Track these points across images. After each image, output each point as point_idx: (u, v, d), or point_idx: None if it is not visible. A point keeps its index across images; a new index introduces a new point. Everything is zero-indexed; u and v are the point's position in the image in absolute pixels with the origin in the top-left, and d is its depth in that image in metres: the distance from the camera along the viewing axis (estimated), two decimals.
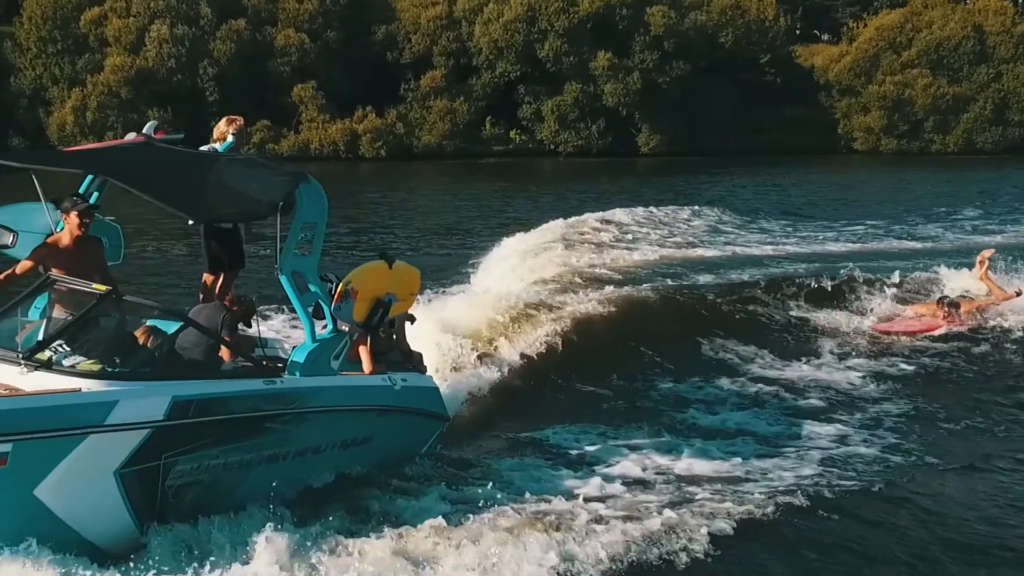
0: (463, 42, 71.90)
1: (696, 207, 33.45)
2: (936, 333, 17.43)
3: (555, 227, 26.20)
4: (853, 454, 11.83)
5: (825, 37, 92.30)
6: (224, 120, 10.74)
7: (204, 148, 10.63)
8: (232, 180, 9.29)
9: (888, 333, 17.86)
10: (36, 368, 7.87)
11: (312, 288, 9.88)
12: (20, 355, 7.96)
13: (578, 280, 20.11)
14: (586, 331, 15.86)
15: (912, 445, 12.22)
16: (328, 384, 10.02)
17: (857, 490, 10.41)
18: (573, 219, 27.69)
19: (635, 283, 19.65)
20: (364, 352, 10.61)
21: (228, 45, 67.35)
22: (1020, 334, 17.27)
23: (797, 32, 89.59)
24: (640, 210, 30.78)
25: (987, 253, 19.64)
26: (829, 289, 19.37)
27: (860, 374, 15.48)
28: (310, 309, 10.00)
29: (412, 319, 12.12)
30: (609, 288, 18.65)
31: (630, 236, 27.05)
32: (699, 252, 25.51)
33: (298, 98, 68.65)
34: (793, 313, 18.42)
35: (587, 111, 71.67)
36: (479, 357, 14.48)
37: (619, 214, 29.52)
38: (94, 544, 7.97)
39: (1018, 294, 18.35)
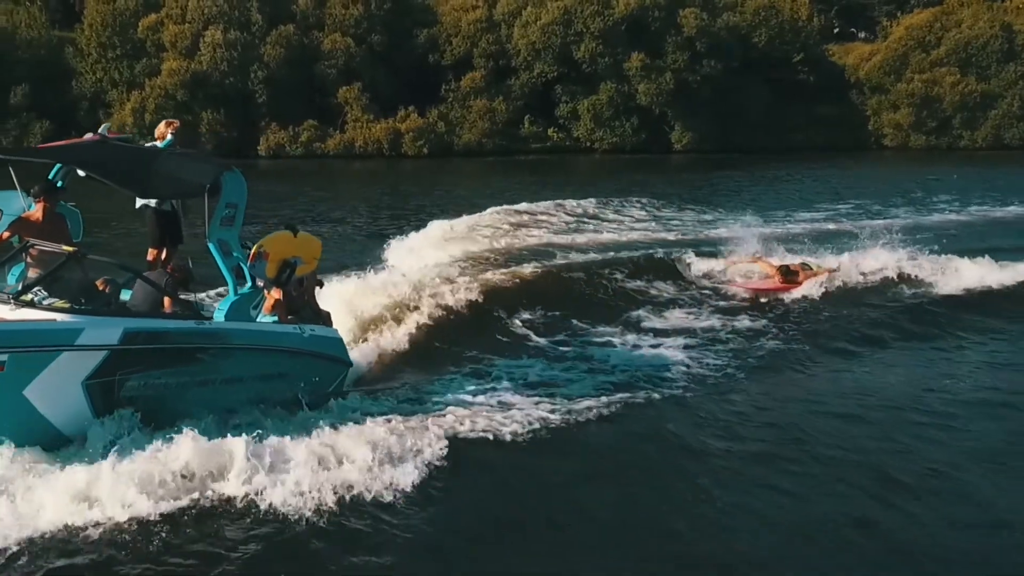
0: (502, 44, 73.87)
1: (640, 199, 36.30)
2: (782, 295, 20.65)
3: (490, 214, 29.10)
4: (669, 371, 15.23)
5: (862, 35, 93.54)
6: (163, 123, 13.30)
7: (148, 144, 13.13)
8: (170, 168, 11.87)
9: (747, 289, 21.17)
10: (22, 306, 10.36)
11: (235, 253, 12.05)
12: (10, 297, 10.48)
13: (486, 259, 22.79)
14: (489, 298, 18.49)
15: (714, 372, 15.35)
16: (247, 327, 12.24)
17: (639, 403, 13.63)
18: (516, 206, 30.76)
19: (528, 262, 22.29)
20: (279, 306, 12.94)
21: (277, 49, 69.39)
22: (833, 298, 20.60)
23: (835, 31, 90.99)
24: (583, 201, 33.88)
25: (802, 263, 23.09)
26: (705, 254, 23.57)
27: (692, 318, 19.00)
28: (233, 269, 12.10)
29: (320, 283, 14.44)
30: (513, 267, 21.33)
31: (557, 222, 29.99)
32: (598, 238, 28.05)
33: (344, 99, 70.72)
34: (632, 286, 21.17)
35: (621, 110, 73.49)
36: (384, 325, 16.88)
37: (569, 204, 32.79)
38: (63, 434, 10.55)
39: (833, 271, 21.80)
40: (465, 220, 27.82)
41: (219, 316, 12.07)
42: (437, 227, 26.20)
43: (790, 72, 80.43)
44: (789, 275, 21.21)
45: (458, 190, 39.77)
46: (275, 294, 12.89)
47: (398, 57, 73.04)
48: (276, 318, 13.01)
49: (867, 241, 23.81)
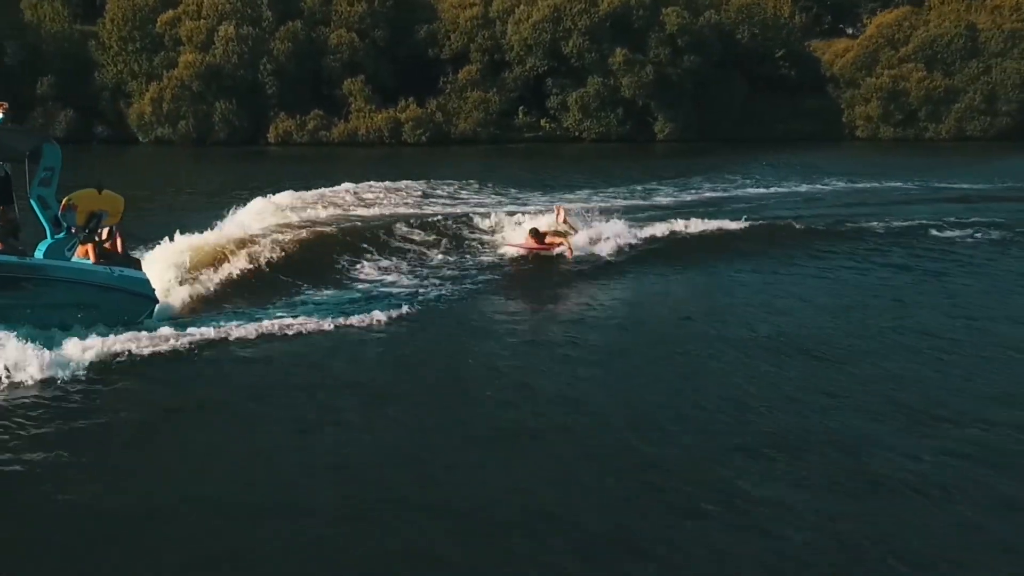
0: (497, 40, 76.83)
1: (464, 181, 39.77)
2: (543, 253, 24.16)
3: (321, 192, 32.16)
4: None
5: (849, 31, 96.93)
6: None
7: None
8: (1, 139, 14.88)
9: (515, 246, 24.64)
10: None
11: (51, 207, 15.25)
12: None
13: (297, 222, 26.28)
14: (291, 256, 22.23)
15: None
16: (62, 264, 15.29)
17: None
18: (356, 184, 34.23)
19: (337, 223, 26.12)
20: (90, 250, 16.07)
21: (286, 44, 72.47)
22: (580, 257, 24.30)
23: (825, 27, 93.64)
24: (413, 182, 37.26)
25: (562, 207, 26.80)
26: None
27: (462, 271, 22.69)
28: (51, 220, 15.28)
29: (113, 233, 16.79)
30: (322, 228, 25.10)
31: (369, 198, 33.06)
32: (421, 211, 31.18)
33: (348, 90, 73.90)
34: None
35: (607, 101, 76.62)
36: (199, 272, 20.29)
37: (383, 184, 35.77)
38: None
39: (575, 231, 25.40)
40: (317, 192, 31.27)
41: (39, 255, 15.25)
42: (259, 203, 27.98)
43: (772, 67, 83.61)
44: (538, 236, 24.27)
45: (447, 173, 43.96)
46: (88, 244, 15.99)
47: (399, 51, 76.06)
48: (90, 260, 16.01)
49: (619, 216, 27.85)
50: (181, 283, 19.50)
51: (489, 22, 77.69)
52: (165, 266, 19.44)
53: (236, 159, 58.44)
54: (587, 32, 75.51)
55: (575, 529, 9.26)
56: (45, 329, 14.78)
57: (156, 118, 71.89)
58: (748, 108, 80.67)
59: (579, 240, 25.17)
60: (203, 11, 73.26)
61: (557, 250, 24.22)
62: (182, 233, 21.42)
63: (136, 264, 16.92)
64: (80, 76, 72.61)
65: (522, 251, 24.37)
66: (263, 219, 26.09)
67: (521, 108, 78.00)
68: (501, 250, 24.83)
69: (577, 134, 77.89)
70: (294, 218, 26.88)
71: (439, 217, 28.06)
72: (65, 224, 15.42)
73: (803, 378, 14.23)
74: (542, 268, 23.57)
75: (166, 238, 20.95)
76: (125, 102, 73.87)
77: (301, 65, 73.68)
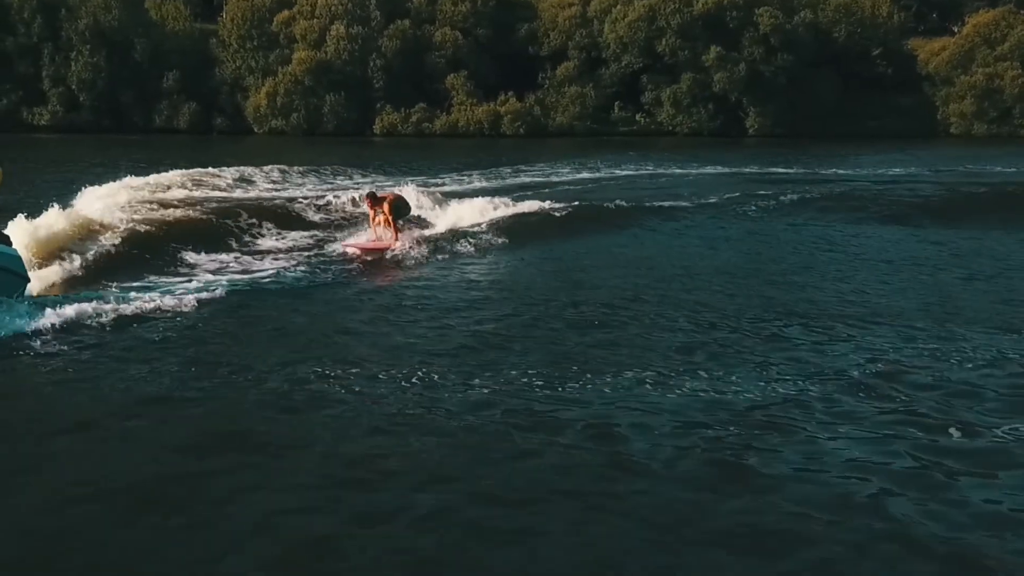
0: (594, 38, 79.69)
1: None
2: (387, 254, 21.47)
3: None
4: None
5: (956, 28, 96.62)
6: None
7: None
8: None
9: (353, 248, 21.99)
10: None
11: None
12: None
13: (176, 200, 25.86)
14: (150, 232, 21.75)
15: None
16: None
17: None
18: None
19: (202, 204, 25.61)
20: None
21: (394, 42, 76.51)
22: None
23: (927, 26, 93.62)
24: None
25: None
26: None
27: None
28: None
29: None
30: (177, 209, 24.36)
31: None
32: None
33: (450, 85, 77.48)
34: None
35: (699, 97, 78.71)
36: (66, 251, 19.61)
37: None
38: None
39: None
40: (197, 171, 31.22)
41: None
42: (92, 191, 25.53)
43: (868, 65, 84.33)
44: (375, 200, 22.69)
45: (540, 162, 46.34)
46: None
47: (500, 48, 79.33)
48: None
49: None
50: (37, 260, 18.41)
51: (587, 21, 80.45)
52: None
53: (343, 146, 61.86)
54: (680, 31, 77.70)
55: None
56: None
57: (271, 110, 76.37)
58: (840, 104, 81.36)
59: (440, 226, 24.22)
60: (316, 11, 77.72)
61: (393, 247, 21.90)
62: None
63: (5, 240, 15.26)
64: (201, 71, 77.60)
65: (364, 249, 22.04)
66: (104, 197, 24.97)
67: (617, 103, 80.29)
68: (340, 249, 22.39)
69: (671, 128, 79.77)
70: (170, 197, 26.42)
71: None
72: None
73: None
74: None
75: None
76: (242, 96, 78.55)
77: (407, 61, 77.35)
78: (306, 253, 21.97)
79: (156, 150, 54.54)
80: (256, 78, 77.82)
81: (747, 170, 43.90)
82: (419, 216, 24.90)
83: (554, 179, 39.00)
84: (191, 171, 31.08)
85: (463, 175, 38.96)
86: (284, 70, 76.64)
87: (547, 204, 27.22)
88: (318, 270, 19.67)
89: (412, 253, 21.37)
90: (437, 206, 26.24)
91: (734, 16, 78.70)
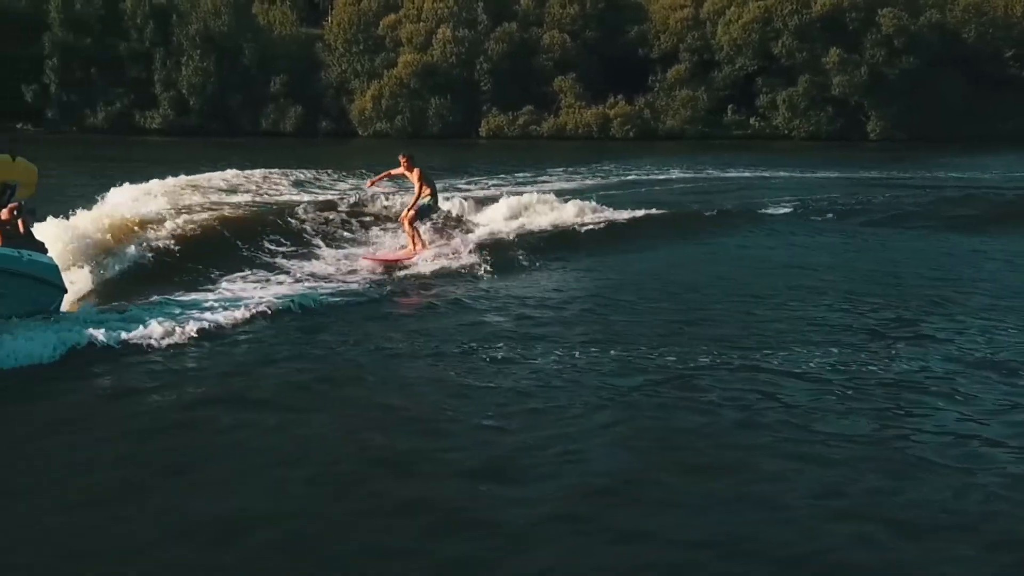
0: (707, 40, 77.52)
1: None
2: (407, 262, 20.03)
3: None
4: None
5: None
6: None
7: None
8: None
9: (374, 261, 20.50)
10: None
11: None
12: None
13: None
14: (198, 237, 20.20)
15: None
16: None
17: None
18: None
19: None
20: None
21: (500, 44, 75.37)
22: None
23: None
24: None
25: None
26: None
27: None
28: None
29: (33, 212, 14.51)
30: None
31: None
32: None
33: (558, 87, 75.92)
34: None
35: (817, 100, 75.97)
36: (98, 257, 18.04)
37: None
38: None
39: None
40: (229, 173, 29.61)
41: None
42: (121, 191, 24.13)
43: (1000, 66, 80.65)
44: (413, 163, 21.11)
45: (647, 164, 44.74)
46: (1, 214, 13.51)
47: (609, 50, 77.47)
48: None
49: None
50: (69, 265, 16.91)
51: (699, 23, 78.34)
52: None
53: (449, 148, 60.82)
54: (798, 32, 75.35)
55: None
56: None
57: (375, 113, 75.81)
58: (969, 107, 77.53)
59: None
60: (423, 15, 77.17)
61: (416, 257, 20.35)
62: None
63: (41, 247, 14.25)
64: (307, 75, 77.40)
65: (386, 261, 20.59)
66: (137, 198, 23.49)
67: (730, 106, 78.17)
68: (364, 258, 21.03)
69: (787, 132, 77.37)
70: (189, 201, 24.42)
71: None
72: None
73: None
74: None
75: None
76: (347, 99, 78.15)
77: (514, 64, 76.24)
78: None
79: (261, 152, 53.89)
80: (361, 81, 77.47)
81: (868, 175, 41.34)
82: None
83: (665, 177, 37.29)
84: (253, 171, 30.36)
85: (571, 174, 37.43)
86: (389, 73, 76.21)
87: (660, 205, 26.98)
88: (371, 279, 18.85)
89: (521, 260, 20.53)
90: (538, 207, 25.75)
91: (854, 17, 75.85)
